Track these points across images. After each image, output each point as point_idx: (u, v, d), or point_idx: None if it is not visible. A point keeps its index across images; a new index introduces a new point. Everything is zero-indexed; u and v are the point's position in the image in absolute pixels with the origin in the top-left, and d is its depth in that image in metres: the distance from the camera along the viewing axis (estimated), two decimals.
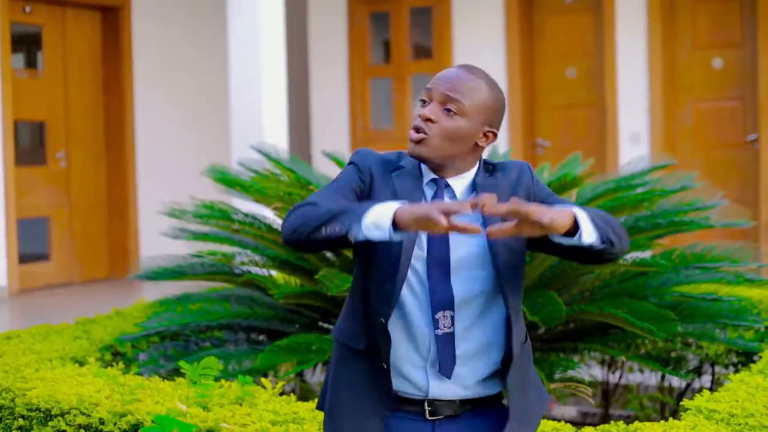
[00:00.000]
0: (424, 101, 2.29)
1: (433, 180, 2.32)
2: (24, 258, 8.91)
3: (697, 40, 9.08)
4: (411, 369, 2.29)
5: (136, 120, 9.67)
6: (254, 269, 4.63)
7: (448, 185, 2.31)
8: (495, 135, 2.31)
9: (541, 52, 9.69)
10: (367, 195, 2.31)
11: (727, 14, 8.98)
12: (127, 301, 6.18)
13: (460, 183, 2.33)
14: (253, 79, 6.87)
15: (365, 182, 2.32)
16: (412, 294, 2.28)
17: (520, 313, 2.35)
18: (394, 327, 2.29)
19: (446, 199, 2.30)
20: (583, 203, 4.28)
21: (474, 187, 2.33)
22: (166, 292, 5.01)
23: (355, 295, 2.37)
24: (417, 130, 2.28)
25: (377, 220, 2.11)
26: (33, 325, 4.81)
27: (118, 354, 4.57)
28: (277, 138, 6.80)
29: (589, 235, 2.17)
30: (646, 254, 4.51)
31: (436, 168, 2.32)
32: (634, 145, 9.08)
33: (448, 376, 2.27)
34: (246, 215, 4.70)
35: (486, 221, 2.26)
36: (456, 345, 2.28)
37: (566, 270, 4.29)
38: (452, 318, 2.26)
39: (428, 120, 2.26)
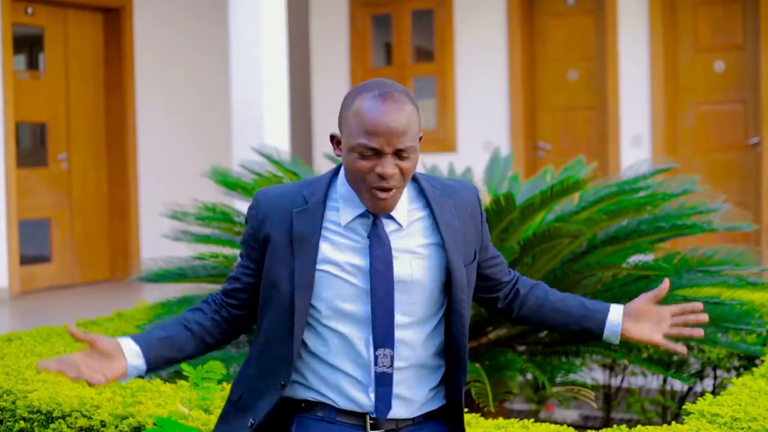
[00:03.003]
0: (364, 156, 2.16)
1: (368, 210, 2.25)
2: (25, 260, 8.90)
3: (698, 42, 9.08)
4: (354, 391, 2.27)
5: (138, 121, 9.67)
6: None
7: (390, 216, 2.27)
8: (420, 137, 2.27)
9: (543, 54, 9.69)
10: (262, 254, 2.30)
11: (728, 17, 8.98)
12: (128, 302, 6.17)
13: (400, 203, 2.28)
14: (254, 80, 6.87)
15: (258, 245, 2.31)
16: (352, 315, 2.26)
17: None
18: (335, 346, 2.26)
19: (387, 228, 2.26)
20: (585, 206, 4.28)
21: (428, 203, 2.30)
22: (168, 294, 5.01)
23: (253, 347, 2.39)
24: (384, 189, 2.18)
25: None
26: (34, 326, 4.80)
27: None
28: (279, 140, 6.80)
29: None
30: (649, 258, 4.51)
31: None
32: (635, 147, 9.08)
33: (381, 418, 2.26)
34: None
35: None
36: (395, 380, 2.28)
37: (568, 273, 4.29)
38: (391, 357, 2.24)
39: (392, 175, 2.18)
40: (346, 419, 2.27)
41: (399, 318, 2.26)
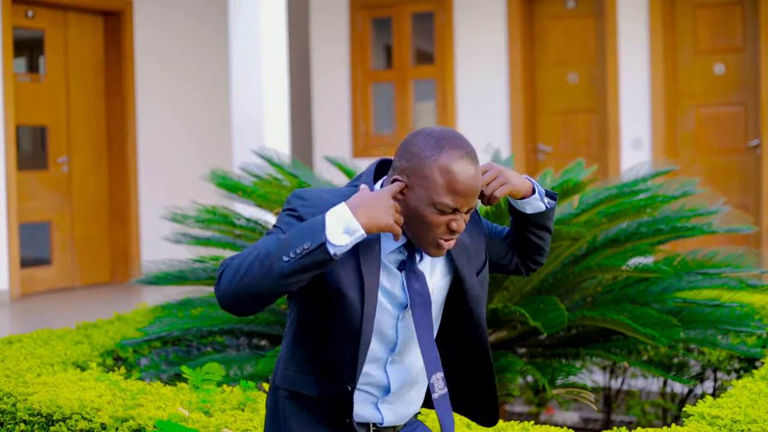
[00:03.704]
0: (444, 212, 2.16)
1: (404, 245, 2.26)
2: (25, 262, 8.90)
3: (698, 45, 9.08)
4: (362, 405, 2.30)
5: (138, 124, 9.68)
6: None
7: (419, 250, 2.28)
8: None
9: (543, 57, 9.70)
10: None
11: (728, 20, 8.98)
12: (128, 305, 6.18)
13: None
14: (254, 83, 6.87)
15: None
16: (377, 336, 2.27)
17: None
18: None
19: (418, 261, 2.27)
20: (585, 209, 4.29)
21: None
22: (168, 297, 5.01)
23: (301, 343, 2.30)
24: (450, 240, 2.20)
25: (345, 224, 2.05)
26: (34, 329, 4.81)
27: (119, 359, 4.57)
28: (279, 143, 6.80)
29: (541, 201, 2.41)
30: (649, 260, 4.51)
31: None
32: (635, 150, 9.08)
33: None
34: (248, 220, 4.70)
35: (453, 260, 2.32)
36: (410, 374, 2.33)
37: (568, 276, 4.29)
38: (443, 379, 2.28)
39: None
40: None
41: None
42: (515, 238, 2.50)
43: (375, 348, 2.27)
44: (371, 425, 2.32)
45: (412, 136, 2.19)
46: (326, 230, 2.04)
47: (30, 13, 9.02)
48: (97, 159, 9.64)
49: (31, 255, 9.07)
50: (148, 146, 9.76)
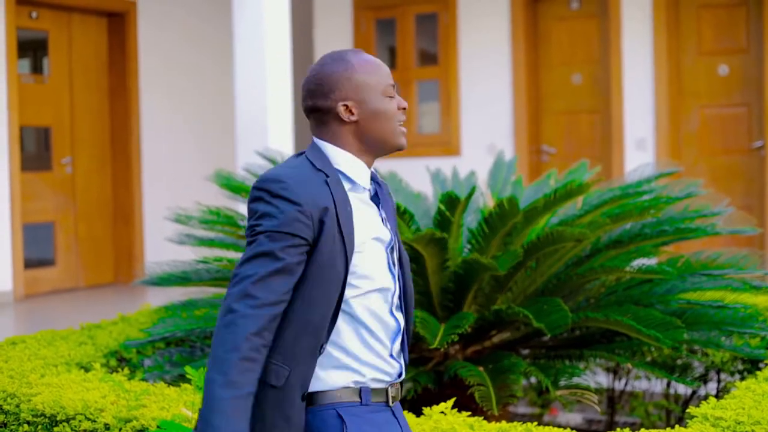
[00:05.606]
0: (392, 95, 2.35)
1: (372, 178, 2.36)
2: (29, 263, 8.91)
3: (702, 46, 9.08)
4: (381, 359, 2.29)
5: (142, 125, 9.69)
6: None
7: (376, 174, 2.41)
8: None
9: (547, 58, 9.69)
10: (317, 233, 2.20)
11: (732, 21, 8.98)
12: (132, 306, 6.19)
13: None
14: (258, 84, 6.87)
15: (314, 231, 2.19)
16: (382, 291, 2.30)
17: None
18: (364, 319, 2.26)
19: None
20: (589, 210, 4.29)
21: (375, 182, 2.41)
22: (172, 298, 5.01)
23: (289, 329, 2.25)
24: (403, 122, 2.39)
25: None
26: (38, 330, 4.81)
27: (123, 360, 4.57)
28: (283, 143, 6.80)
29: None
30: (652, 261, 4.51)
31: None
32: (639, 151, 9.08)
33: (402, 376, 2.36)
34: None
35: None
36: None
37: (572, 277, 4.29)
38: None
39: None
40: (375, 398, 2.29)
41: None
42: None
43: (389, 287, 2.29)
44: (388, 389, 2.29)
45: (314, 79, 2.31)
46: None
47: (34, 14, 9.03)
48: (100, 159, 9.65)
49: (35, 256, 9.08)
50: (151, 146, 9.77)
